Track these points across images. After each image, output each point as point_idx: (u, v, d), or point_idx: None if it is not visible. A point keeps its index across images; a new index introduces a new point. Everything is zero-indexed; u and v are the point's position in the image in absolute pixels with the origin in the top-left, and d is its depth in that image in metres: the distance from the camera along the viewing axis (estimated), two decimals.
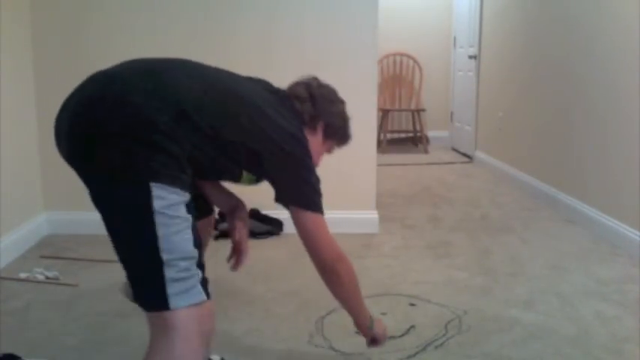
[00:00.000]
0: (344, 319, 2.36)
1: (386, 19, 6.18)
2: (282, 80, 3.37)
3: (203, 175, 1.65)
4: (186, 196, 1.41)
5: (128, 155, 1.36)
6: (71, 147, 1.48)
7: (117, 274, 2.84)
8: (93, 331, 2.27)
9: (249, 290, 2.66)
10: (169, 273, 1.37)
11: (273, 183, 1.75)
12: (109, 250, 3.32)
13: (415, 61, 6.76)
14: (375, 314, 2.40)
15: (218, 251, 3.17)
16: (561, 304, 2.50)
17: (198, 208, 1.54)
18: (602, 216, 3.42)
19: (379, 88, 6.41)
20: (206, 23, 3.30)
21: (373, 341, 1.96)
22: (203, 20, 3.30)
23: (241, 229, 1.95)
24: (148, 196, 1.35)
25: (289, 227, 3.43)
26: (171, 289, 1.37)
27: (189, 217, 1.42)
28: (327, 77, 3.37)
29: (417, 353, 2.11)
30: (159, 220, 1.35)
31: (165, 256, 1.36)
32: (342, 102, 1.94)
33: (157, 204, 1.35)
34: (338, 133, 1.91)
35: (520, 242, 3.34)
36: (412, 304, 2.50)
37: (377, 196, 3.52)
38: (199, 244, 1.45)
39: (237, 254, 1.94)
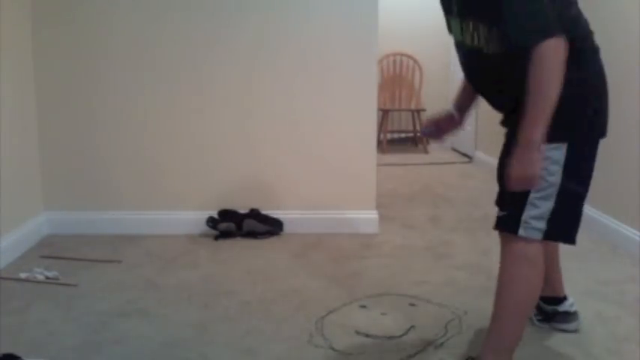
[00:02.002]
0: (344, 319, 2.37)
1: (386, 19, 6.17)
2: (281, 80, 3.40)
3: None
4: None
5: None
6: None
7: (117, 274, 2.85)
8: (93, 331, 2.27)
9: (249, 290, 2.66)
10: None
11: None
12: (109, 250, 3.32)
13: (415, 61, 6.76)
14: (375, 314, 2.40)
15: (218, 251, 3.18)
16: None
17: None
18: (602, 216, 3.42)
19: (379, 88, 6.41)
20: (205, 23, 3.30)
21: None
22: (202, 20, 3.29)
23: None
24: None
25: (289, 227, 3.45)
26: None
27: None
28: (327, 77, 3.40)
29: (417, 353, 2.11)
30: None
31: None
32: None
33: None
34: None
35: None
36: (412, 304, 2.50)
37: (377, 196, 3.52)
38: None
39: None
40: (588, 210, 3.56)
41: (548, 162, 1.74)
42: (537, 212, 1.78)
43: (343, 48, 3.35)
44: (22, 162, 3.21)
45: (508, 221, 1.84)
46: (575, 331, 2.23)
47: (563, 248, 2.27)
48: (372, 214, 3.50)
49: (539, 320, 2.27)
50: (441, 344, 2.17)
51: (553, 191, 1.77)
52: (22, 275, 2.77)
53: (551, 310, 2.24)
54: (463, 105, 2.10)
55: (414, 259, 3.07)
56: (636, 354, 2.10)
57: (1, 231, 2.93)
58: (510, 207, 1.84)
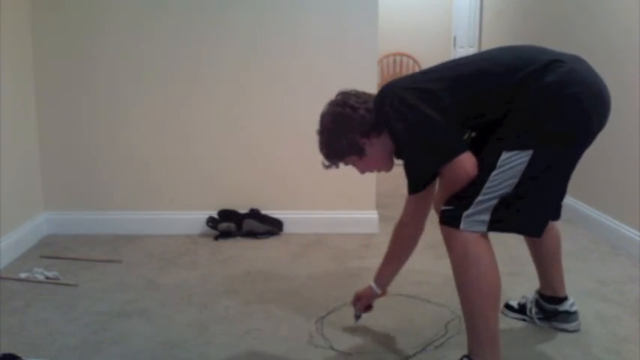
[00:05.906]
0: (344, 319, 2.37)
1: (386, 19, 6.19)
2: (281, 80, 3.40)
3: None
4: None
5: None
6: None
7: (117, 274, 2.85)
8: (93, 331, 2.27)
9: (249, 290, 2.66)
10: None
11: None
12: (109, 250, 3.31)
13: (415, 61, 6.76)
14: (375, 314, 2.40)
15: (218, 251, 3.18)
16: None
17: None
18: (602, 216, 3.42)
19: (379, 88, 6.42)
20: (204, 22, 3.30)
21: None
22: (201, 21, 3.30)
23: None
24: None
25: (289, 227, 3.45)
26: None
27: None
28: (327, 77, 3.39)
29: (416, 353, 2.11)
30: None
31: None
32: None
33: None
34: None
35: (520, 242, 3.32)
36: (412, 305, 2.49)
37: (377, 196, 3.52)
38: None
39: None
40: (588, 210, 3.57)
41: (506, 167, 1.76)
42: (482, 207, 1.80)
43: (343, 48, 3.35)
44: (22, 162, 3.21)
45: (450, 215, 1.84)
46: (575, 331, 2.24)
47: (563, 248, 2.27)
48: (372, 214, 3.50)
49: (539, 319, 2.27)
50: (441, 344, 2.17)
51: (505, 192, 1.78)
52: (22, 275, 2.77)
53: (552, 310, 2.24)
54: (386, 282, 2.28)
55: (414, 259, 3.05)
56: (636, 354, 2.10)
57: (1, 231, 2.93)
58: (456, 203, 1.84)
